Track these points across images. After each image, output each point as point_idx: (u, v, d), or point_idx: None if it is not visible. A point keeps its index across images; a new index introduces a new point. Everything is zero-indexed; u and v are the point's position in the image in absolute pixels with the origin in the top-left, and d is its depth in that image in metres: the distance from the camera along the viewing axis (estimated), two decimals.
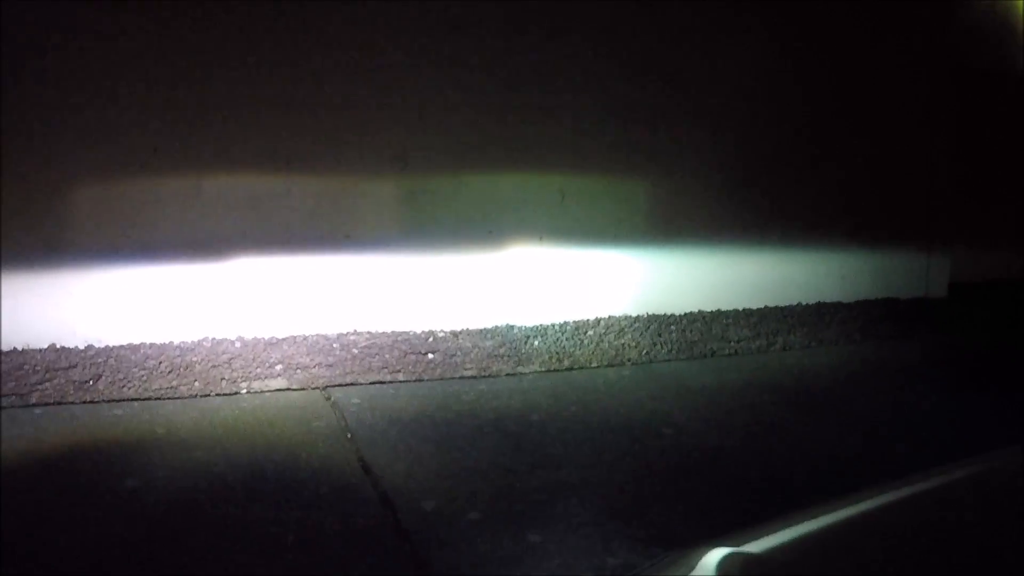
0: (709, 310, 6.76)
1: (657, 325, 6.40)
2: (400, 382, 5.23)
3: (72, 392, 4.89)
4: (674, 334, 6.27)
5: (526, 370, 5.52)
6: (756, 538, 1.64)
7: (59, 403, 4.78)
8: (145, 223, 5.51)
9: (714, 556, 1.58)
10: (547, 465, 4.13)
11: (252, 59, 5.55)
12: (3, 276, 5.28)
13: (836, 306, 7.12)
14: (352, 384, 5.15)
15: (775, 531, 1.67)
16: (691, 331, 6.36)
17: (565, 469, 4.10)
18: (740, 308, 6.86)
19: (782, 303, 7.03)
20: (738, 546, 1.60)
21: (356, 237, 5.88)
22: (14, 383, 4.91)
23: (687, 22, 6.51)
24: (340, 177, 5.84)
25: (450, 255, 6.10)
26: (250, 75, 5.55)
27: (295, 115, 5.67)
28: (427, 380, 5.28)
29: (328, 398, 4.93)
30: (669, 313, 6.64)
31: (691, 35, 6.54)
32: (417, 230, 6.04)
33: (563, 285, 6.37)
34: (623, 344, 6.03)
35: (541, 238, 6.32)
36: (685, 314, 6.66)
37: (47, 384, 4.93)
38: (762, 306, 6.94)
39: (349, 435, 4.41)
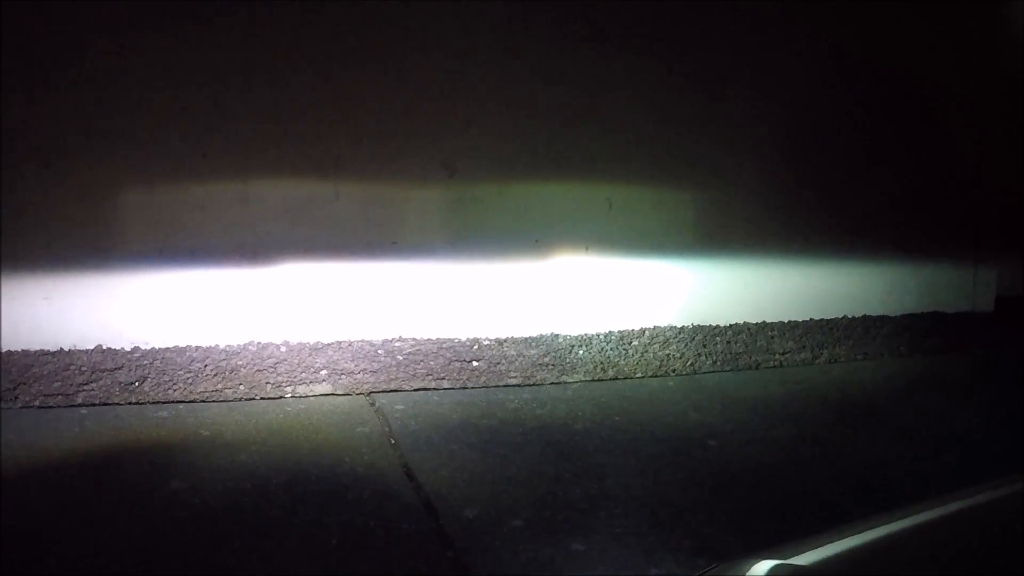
0: (754, 322, 6.71)
1: (702, 336, 6.36)
2: (444, 389, 5.22)
3: (118, 393, 4.92)
4: (719, 345, 6.23)
5: (570, 379, 5.50)
6: (803, 551, 1.61)
7: (105, 404, 4.80)
8: (193, 227, 5.53)
9: (761, 568, 1.55)
10: (591, 474, 4.10)
11: (302, 65, 5.57)
12: (51, 277, 5.31)
13: (882, 319, 7.04)
14: (396, 390, 5.14)
15: (822, 545, 1.65)
16: (736, 343, 6.31)
17: (609, 479, 4.06)
18: (785, 320, 6.80)
19: (828, 316, 6.96)
20: (785, 559, 1.57)
21: (402, 244, 5.88)
22: (60, 383, 4.95)
23: (738, 31, 6.47)
24: (387, 184, 5.84)
25: (496, 263, 6.08)
26: (300, 81, 5.58)
27: (344, 121, 5.68)
28: (471, 388, 5.27)
29: (372, 404, 4.93)
30: (714, 324, 6.59)
31: (742, 44, 6.49)
32: (463, 238, 6.04)
33: (609, 295, 6.34)
34: (668, 355, 5.99)
35: (587, 247, 6.29)
36: (730, 325, 6.61)
37: (93, 385, 4.96)
38: (807, 318, 6.87)
39: (393, 441, 4.40)
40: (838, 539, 1.68)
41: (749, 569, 1.56)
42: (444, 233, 6.03)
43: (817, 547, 1.63)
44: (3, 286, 5.24)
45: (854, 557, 1.63)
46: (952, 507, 1.79)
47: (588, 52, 6.13)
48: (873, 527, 1.71)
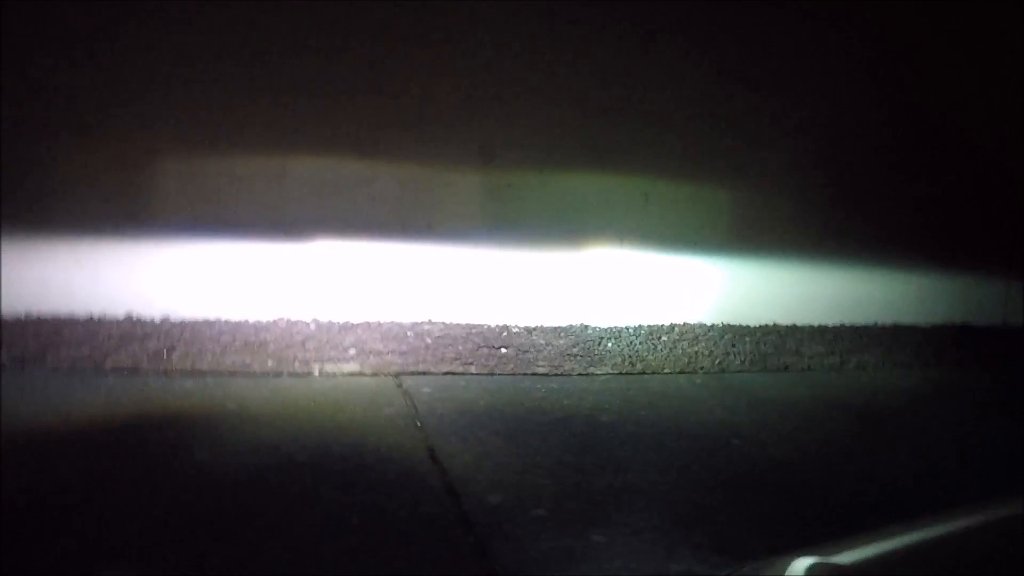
0: (784, 324, 6.67)
1: (732, 335, 6.33)
2: (472, 374, 5.22)
3: (146, 361, 4.94)
4: (748, 345, 6.19)
5: (598, 371, 5.48)
6: (841, 550, 1.60)
7: (133, 371, 4.81)
8: (229, 200, 5.55)
9: (799, 565, 1.54)
10: (615, 467, 4.08)
11: (349, 45, 5.57)
12: (84, 243, 5.34)
13: (912, 329, 6.97)
14: (424, 373, 5.14)
15: (860, 544, 1.64)
16: (765, 344, 6.28)
17: (632, 472, 4.04)
18: (815, 324, 6.76)
19: (858, 322, 6.92)
20: (823, 557, 1.56)
21: (437, 227, 5.87)
22: (89, 349, 4.96)
23: (784, 34, 6.42)
24: (425, 167, 5.84)
25: (529, 251, 6.08)
26: (345, 61, 5.58)
27: (385, 103, 5.68)
28: (499, 374, 5.26)
29: (399, 385, 4.92)
30: (744, 324, 6.56)
31: (785, 44, 6.44)
32: (498, 224, 6.03)
33: (640, 289, 6.32)
34: (696, 352, 5.96)
35: (621, 240, 6.28)
36: (760, 326, 6.58)
37: (122, 352, 4.98)
38: (838, 323, 6.83)
39: (419, 423, 4.39)
40: (877, 539, 1.67)
41: (787, 566, 1.55)
42: (479, 219, 6.03)
43: (855, 547, 1.62)
44: (36, 250, 5.26)
45: (892, 557, 1.62)
46: (993, 514, 1.78)
47: (632, 47, 6.10)
48: (912, 529, 1.69)
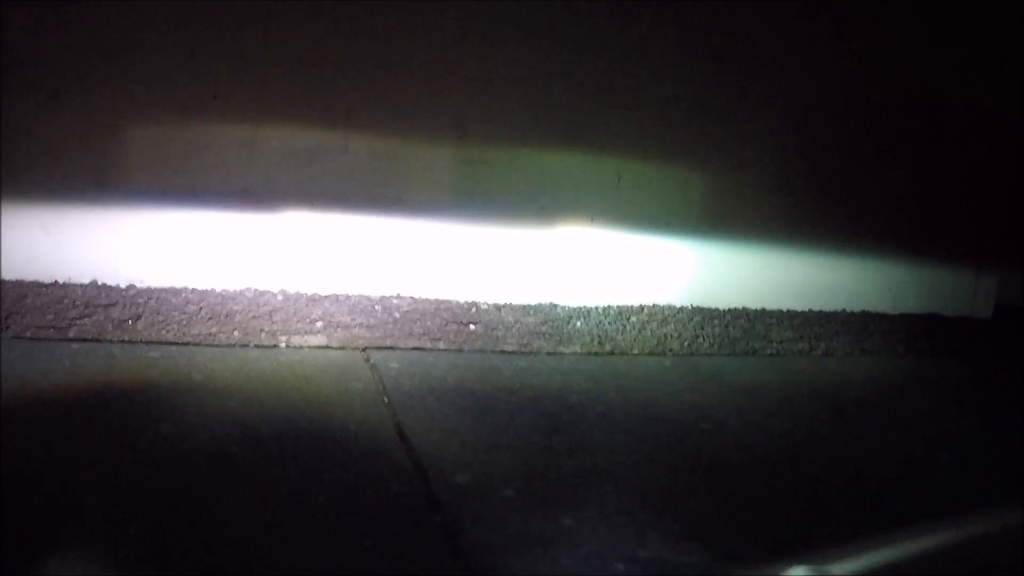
0: (754, 308, 6.68)
1: (701, 318, 6.32)
2: (440, 350, 5.18)
3: (110, 330, 4.86)
4: (717, 328, 6.19)
5: (567, 350, 5.45)
6: (836, 559, 1.58)
7: (97, 340, 4.75)
8: (198, 168, 5.48)
9: (795, 574, 1.52)
10: (584, 449, 4.06)
11: (321, 12, 5.49)
12: (50, 208, 5.27)
13: (881, 317, 7.01)
14: (392, 348, 5.10)
15: (856, 554, 1.62)
16: (734, 327, 6.27)
17: (601, 455, 4.02)
18: (784, 309, 6.78)
19: (827, 308, 6.93)
20: (818, 566, 1.54)
21: (408, 201, 5.82)
22: (53, 316, 4.90)
23: (762, 19, 6.40)
24: (397, 140, 5.78)
25: (500, 228, 6.04)
26: (317, 29, 5.50)
27: (357, 73, 5.61)
28: (467, 351, 5.23)
29: (367, 360, 4.88)
30: (714, 307, 6.56)
31: (764, 32, 6.43)
32: (469, 200, 5.98)
33: (610, 269, 6.31)
34: (666, 334, 5.95)
35: (592, 219, 6.25)
36: (729, 309, 6.58)
37: (86, 320, 4.91)
38: (807, 309, 6.85)
39: (386, 399, 4.35)
40: (873, 550, 1.65)
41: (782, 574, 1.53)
42: (450, 193, 5.98)
43: (851, 556, 1.60)
44: (1, 215, 5.17)
45: (888, 568, 1.60)
46: (988, 526, 1.77)
47: (609, 23, 6.06)
48: (908, 540, 1.68)
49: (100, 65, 5.22)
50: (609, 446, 4.14)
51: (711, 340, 5.97)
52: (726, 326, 6.25)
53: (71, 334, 4.75)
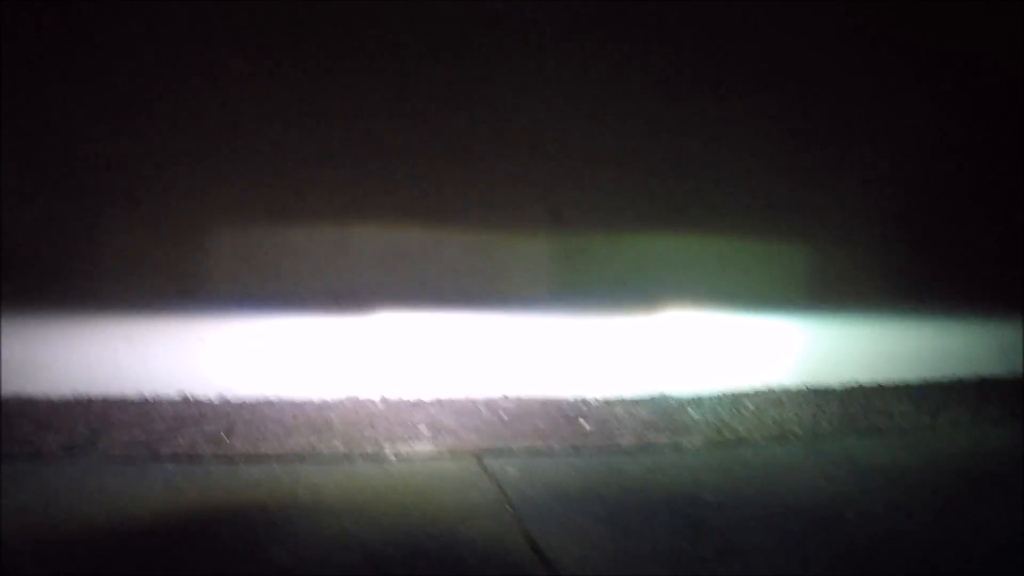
0: (867, 382, 6.36)
1: (816, 398, 6.01)
2: (555, 451, 4.88)
3: (204, 446, 4.63)
4: (835, 407, 5.87)
5: (687, 443, 5.14)
6: None
7: (191, 457, 4.51)
8: (286, 272, 5.31)
9: None
10: (733, 552, 3.72)
11: (409, 107, 5.33)
12: (133, 319, 5.11)
13: (996, 381, 6.63)
14: (505, 452, 4.80)
15: None
16: (852, 405, 5.95)
17: (754, 557, 3.68)
18: (898, 381, 6.44)
19: (940, 377, 6.59)
20: None
21: (505, 296, 5.58)
22: (142, 433, 4.68)
23: (858, 90, 6.19)
24: (491, 231, 5.57)
25: (602, 318, 5.80)
26: (405, 124, 5.35)
27: (447, 165, 5.45)
28: (583, 450, 4.93)
29: (482, 466, 4.59)
30: (827, 385, 6.25)
31: (862, 103, 6.21)
32: (568, 290, 5.75)
33: (718, 353, 6.02)
34: (784, 417, 5.63)
35: (696, 302, 5.99)
36: (843, 386, 6.27)
37: (177, 436, 4.70)
38: (920, 379, 6.51)
39: (511, 508, 4.03)
40: None
41: None
42: (549, 285, 5.74)
43: None
44: (83, 328, 5.01)
45: None
46: None
47: (703, 103, 5.87)
48: None
49: (181, 168, 5.09)
50: (759, 547, 3.80)
51: (831, 421, 5.64)
52: (843, 404, 5.94)
53: (163, 452, 4.51)
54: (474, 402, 5.37)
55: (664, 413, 5.52)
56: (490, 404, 5.37)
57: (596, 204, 5.74)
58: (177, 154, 5.10)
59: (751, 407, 5.75)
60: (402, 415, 5.12)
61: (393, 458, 4.65)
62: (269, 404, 5.12)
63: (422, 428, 4.98)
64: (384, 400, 5.28)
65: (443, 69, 5.39)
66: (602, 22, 5.65)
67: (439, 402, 5.34)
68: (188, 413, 4.95)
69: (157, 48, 5.00)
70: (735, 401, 5.81)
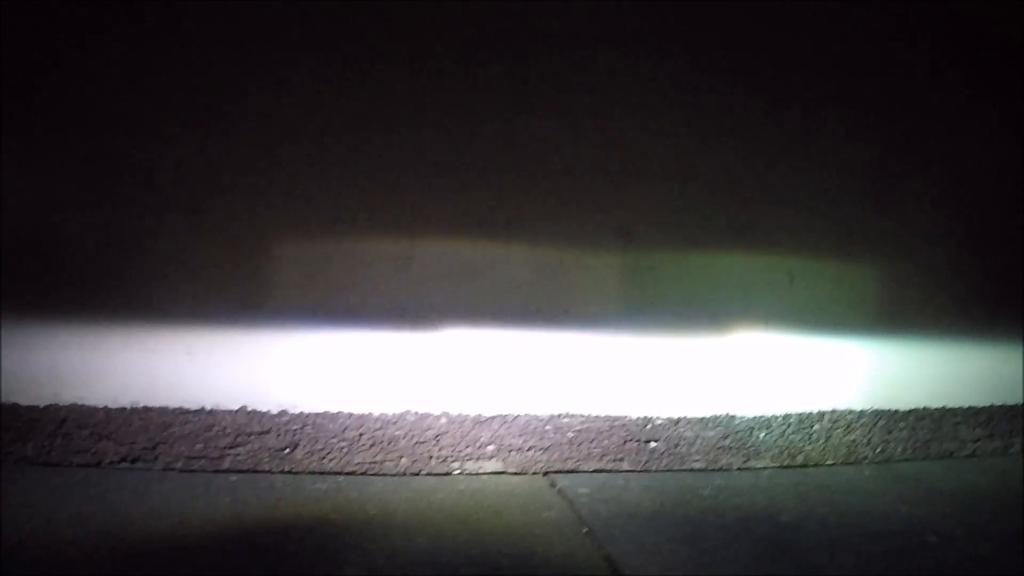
0: (935, 406, 6.19)
1: (885, 421, 5.86)
2: (625, 471, 4.80)
3: (267, 460, 4.57)
4: (904, 432, 5.74)
5: (758, 465, 5.06)
6: None
7: (254, 471, 4.45)
8: (350, 285, 5.19)
9: None
10: (817, 574, 3.63)
11: (477, 119, 5.23)
12: (194, 331, 5.03)
13: None
14: (574, 471, 4.72)
15: None
16: (921, 429, 5.81)
17: None
18: (966, 406, 6.28)
19: (1009, 401, 6.43)
20: None
21: (572, 313, 5.47)
22: (203, 445, 4.62)
23: (930, 110, 6.05)
24: (559, 248, 5.45)
25: (669, 337, 5.66)
26: (474, 136, 5.24)
27: (516, 181, 5.33)
28: (653, 471, 4.84)
29: (552, 485, 4.50)
30: (894, 408, 6.09)
31: (935, 123, 6.07)
32: (636, 309, 5.62)
33: (785, 374, 5.89)
34: (854, 440, 5.53)
35: (765, 323, 5.85)
36: (911, 410, 6.11)
37: (239, 449, 4.63)
38: (989, 404, 6.34)
39: (586, 529, 3.94)
40: None
41: None
42: (616, 303, 5.62)
43: None
44: (142, 338, 4.94)
45: None
46: None
47: (774, 121, 5.74)
48: None
49: (242, 179, 5.01)
50: (842, 570, 3.69)
51: (902, 445, 5.56)
52: (912, 428, 5.80)
53: (225, 465, 4.47)
54: (539, 419, 5.26)
55: (733, 434, 5.41)
56: (555, 422, 5.26)
57: (666, 222, 5.62)
58: (242, 164, 5.02)
59: (820, 429, 5.63)
60: (467, 432, 5.02)
61: (460, 475, 4.57)
62: (331, 418, 5.02)
63: (488, 446, 4.89)
64: (447, 415, 5.17)
65: (514, 82, 5.31)
66: (676, 38, 5.57)
67: (503, 419, 5.23)
68: (249, 426, 4.86)
69: (223, 56, 4.94)
70: (803, 423, 5.69)
